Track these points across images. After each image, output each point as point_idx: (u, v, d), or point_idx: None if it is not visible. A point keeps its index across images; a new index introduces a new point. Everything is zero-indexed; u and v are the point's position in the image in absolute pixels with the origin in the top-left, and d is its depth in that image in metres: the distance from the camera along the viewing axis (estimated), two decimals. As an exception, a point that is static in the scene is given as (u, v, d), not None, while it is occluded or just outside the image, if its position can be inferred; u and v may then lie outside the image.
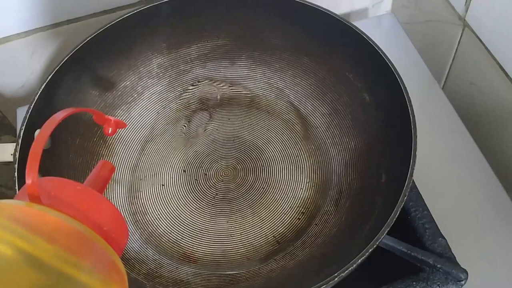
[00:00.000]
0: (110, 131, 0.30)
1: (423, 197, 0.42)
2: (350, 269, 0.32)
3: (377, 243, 0.32)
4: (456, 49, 0.53)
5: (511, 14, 0.44)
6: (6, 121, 0.60)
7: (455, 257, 0.39)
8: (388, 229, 0.33)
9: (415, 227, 0.41)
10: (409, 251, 0.38)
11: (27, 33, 0.52)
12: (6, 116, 0.60)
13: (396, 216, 0.34)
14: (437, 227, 0.41)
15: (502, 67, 0.47)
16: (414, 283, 0.38)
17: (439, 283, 0.38)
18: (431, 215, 0.41)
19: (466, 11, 0.49)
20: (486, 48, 0.48)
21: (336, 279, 0.32)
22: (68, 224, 0.21)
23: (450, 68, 0.55)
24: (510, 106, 0.49)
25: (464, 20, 0.50)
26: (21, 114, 0.57)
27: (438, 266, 0.38)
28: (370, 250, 0.33)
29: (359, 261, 0.32)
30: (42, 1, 0.50)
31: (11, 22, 0.51)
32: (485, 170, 0.49)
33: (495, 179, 0.49)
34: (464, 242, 0.43)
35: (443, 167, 0.49)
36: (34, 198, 0.21)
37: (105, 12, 0.53)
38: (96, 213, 0.23)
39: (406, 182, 0.35)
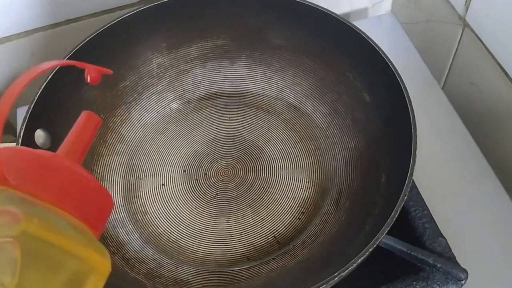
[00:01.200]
0: (92, 79, 0.27)
1: (423, 197, 0.42)
2: (350, 268, 0.32)
3: (377, 242, 0.32)
4: (456, 49, 0.53)
5: (511, 14, 0.44)
6: (7, 121, 0.60)
7: (455, 257, 0.39)
8: (388, 228, 0.33)
9: (415, 226, 0.41)
10: (409, 251, 0.38)
11: (27, 33, 0.52)
12: None
13: (396, 215, 0.34)
14: (437, 226, 0.41)
15: (502, 67, 0.47)
16: (414, 282, 0.38)
17: (439, 282, 0.38)
18: (431, 214, 0.41)
19: (466, 11, 0.49)
20: (486, 48, 0.48)
21: (336, 278, 0.32)
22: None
23: (450, 68, 0.55)
24: (510, 106, 0.49)
25: (464, 20, 0.50)
26: (21, 114, 0.57)
27: (438, 265, 0.38)
28: (370, 250, 0.33)
29: (359, 260, 0.32)
30: (42, 1, 0.50)
31: (11, 22, 0.51)
32: (485, 169, 0.49)
33: (495, 179, 0.49)
34: (464, 242, 0.43)
35: (443, 167, 0.49)
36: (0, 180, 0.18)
37: (105, 12, 0.53)
38: (71, 188, 0.20)
39: (406, 181, 0.35)
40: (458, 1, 0.50)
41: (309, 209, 0.44)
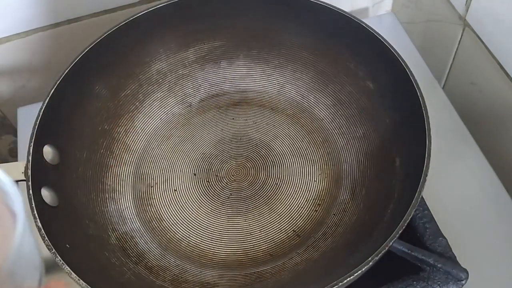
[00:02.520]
0: None
1: (423, 197, 0.42)
2: (382, 252, 0.32)
3: (408, 220, 0.33)
4: (457, 49, 0.53)
5: (511, 14, 0.45)
6: (7, 121, 0.60)
7: (455, 257, 0.39)
8: (415, 209, 0.34)
9: (416, 226, 0.40)
10: (409, 251, 0.37)
11: (27, 33, 0.52)
12: (6, 116, 0.59)
13: (421, 195, 0.34)
14: (438, 226, 0.40)
15: (502, 66, 0.47)
16: (414, 282, 0.38)
17: (439, 282, 0.38)
18: (431, 214, 0.41)
19: (467, 10, 0.49)
20: (487, 47, 0.48)
21: (371, 263, 0.32)
22: None
23: (450, 68, 0.55)
24: (510, 106, 0.48)
25: (465, 19, 0.50)
26: (22, 114, 0.56)
27: (439, 265, 0.37)
28: (400, 231, 0.33)
29: (391, 242, 0.33)
30: (42, 1, 0.49)
31: (12, 22, 0.50)
32: (486, 169, 0.49)
33: (496, 178, 0.49)
34: (465, 241, 0.43)
35: (443, 167, 0.48)
36: None
37: (105, 12, 0.53)
38: None
39: (425, 161, 0.36)
40: (458, 1, 0.50)
41: (325, 200, 0.45)
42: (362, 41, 0.44)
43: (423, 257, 0.38)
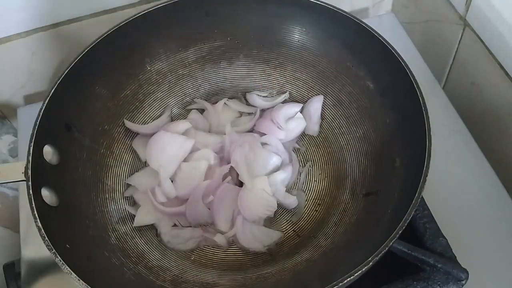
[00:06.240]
0: None
1: (424, 197, 0.42)
2: (383, 251, 0.32)
3: (408, 220, 0.33)
4: (457, 49, 0.53)
5: (511, 14, 0.45)
6: (7, 121, 0.60)
7: (455, 257, 0.39)
8: (415, 209, 0.34)
9: (416, 226, 0.41)
10: (409, 251, 0.37)
11: (27, 33, 0.52)
12: (6, 116, 0.59)
13: (421, 195, 0.34)
14: (438, 226, 0.41)
15: (502, 66, 0.47)
16: (414, 282, 0.38)
17: (439, 282, 0.38)
18: (431, 214, 0.41)
19: (467, 10, 0.49)
20: (487, 47, 0.48)
21: (371, 263, 0.32)
22: None
23: (450, 68, 0.55)
24: (510, 106, 0.49)
25: (465, 19, 0.50)
26: (22, 114, 0.57)
27: (439, 266, 0.37)
28: (400, 232, 0.33)
29: (391, 243, 0.33)
30: (42, 1, 0.49)
31: (12, 22, 0.50)
32: (486, 169, 0.49)
33: (496, 178, 0.49)
34: (465, 242, 0.43)
35: (443, 167, 0.47)
36: None
37: (105, 12, 0.53)
38: None
39: (425, 161, 0.36)
40: (458, 1, 0.50)
41: (325, 200, 0.45)
42: (362, 41, 0.45)
43: (423, 257, 0.38)
